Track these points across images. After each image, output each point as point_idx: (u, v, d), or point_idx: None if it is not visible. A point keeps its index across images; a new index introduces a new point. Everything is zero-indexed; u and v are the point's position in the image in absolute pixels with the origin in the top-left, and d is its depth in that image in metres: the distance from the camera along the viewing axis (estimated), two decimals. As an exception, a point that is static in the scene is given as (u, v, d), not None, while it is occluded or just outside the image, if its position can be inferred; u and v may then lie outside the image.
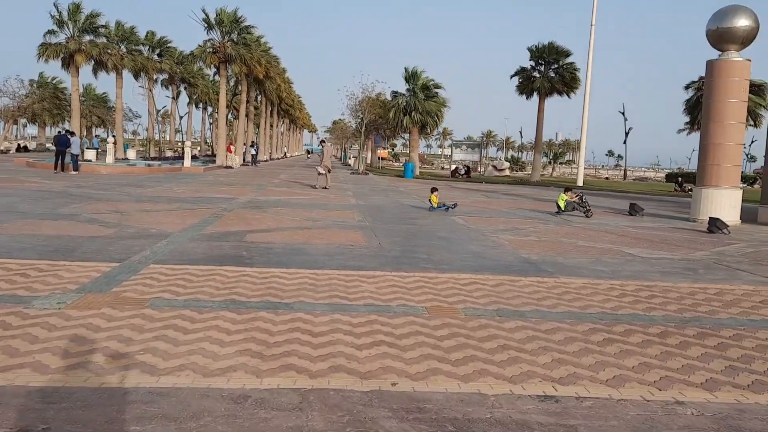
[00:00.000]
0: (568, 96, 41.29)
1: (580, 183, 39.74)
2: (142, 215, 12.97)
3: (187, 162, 36.59)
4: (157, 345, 4.73)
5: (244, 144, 52.06)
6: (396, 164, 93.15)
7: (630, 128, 71.81)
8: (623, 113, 70.12)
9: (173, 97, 65.42)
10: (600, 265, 9.24)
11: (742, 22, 16.35)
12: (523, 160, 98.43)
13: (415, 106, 43.82)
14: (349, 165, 70.60)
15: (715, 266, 9.75)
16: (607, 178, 74.93)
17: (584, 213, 17.32)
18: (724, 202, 16.47)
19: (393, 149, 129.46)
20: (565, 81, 40.68)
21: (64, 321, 5.24)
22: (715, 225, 14.35)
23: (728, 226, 14.54)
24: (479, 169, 58.03)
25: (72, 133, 28.39)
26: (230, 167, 42.67)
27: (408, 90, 45.47)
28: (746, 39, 16.51)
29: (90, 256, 8.15)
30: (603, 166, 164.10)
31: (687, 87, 35.65)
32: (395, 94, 46.06)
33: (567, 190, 18.63)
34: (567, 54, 40.77)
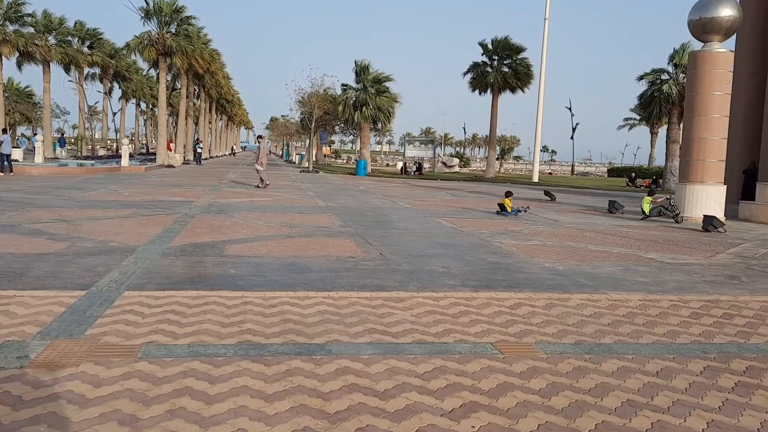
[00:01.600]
0: (522, 91, 40.89)
1: (535, 179, 39.52)
2: (94, 224, 11.26)
3: (125, 161, 34.23)
4: (176, 427, 3.35)
5: (185, 142, 49.62)
6: (339, 161, 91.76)
7: (577, 123, 72.33)
8: (570, 108, 70.77)
9: (106, 93, 61.93)
10: (636, 275, 8.27)
11: (726, 12, 15.86)
12: (467, 156, 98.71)
13: (366, 102, 42.51)
14: (293, 162, 68.78)
15: (752, 272, 8.96)
16: (550, 173, 75.74)
17: (674, 218, 15.63)
18: (710, 198, 15.97)
19: (330, 146, 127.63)
20: (519, 76, 40.19)
21: (31, 389, 3.77)
22: (711, 224, 13.75)
23: (724, 224, 13.98)
24: (425, 166, 57.17)
25: (4, 131, 25.91)
26: (172, 166, 40.40)
27: (358, 84, 44.09)
28: (729, 29, 16.05)
29: (45, 282, 6.57)
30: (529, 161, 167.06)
31: (640, 78, 35.60)
32: (345, 88, 44.64)
33: (650, 193, 16.91)
34: (521, 49, 40.29)
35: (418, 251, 9.70)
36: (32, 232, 10.02)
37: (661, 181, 36.95)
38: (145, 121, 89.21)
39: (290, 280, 7.13)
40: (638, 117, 70.49)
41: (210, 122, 78.25)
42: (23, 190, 17.94)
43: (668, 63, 34.69)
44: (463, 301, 6.43)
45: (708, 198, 16.01)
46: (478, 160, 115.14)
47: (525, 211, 16.48)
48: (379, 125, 45.50)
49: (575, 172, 78.48)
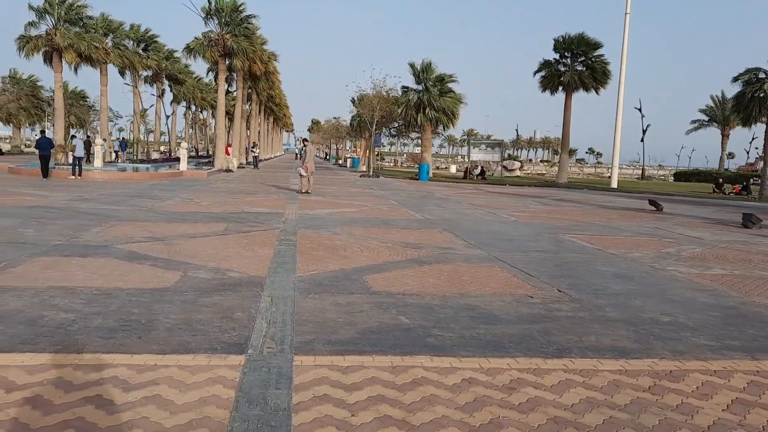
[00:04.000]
0: (597, 92, 38.47)
1: (614, 185, 37.29)
2: (193, 244, 9.76)
3: (184, 165, 33.23)
4: None
5: (245, 146, 48.76)
6: (386, 163, 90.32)
7: (648, 125, 68.32)
8: (639, 109, 67.13)
9: (159, 95, 61.51)
10: None
11: None
12: (520, 159, 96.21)
13: (429, 102, 40.68)
14: (345, 166, 67.49)
15: None
16: (609, 177, 72.66)
17: None
18: None
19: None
20: (595, 75, 37.81)
21: None
22: None
23: None
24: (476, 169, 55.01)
25: (73, 136, 25.51)
26: (230, 170, 39.36)
27: (419, 85, 42.30)
28: None
29: (184, 339, 4.98)
30: (587, 164, 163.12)
31: (735, 79, 32.88)
32: (405, 90, 42.94)
33: None
34: (597, 46, 37.82)
35: (601, 286, 7.87)
36: (130, 255, 8.54)
37: (756, 186, 34.20)
38: (194, 123, 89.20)
39: (491, 338, 5.41)
40: (707, 118, 67.27)
41: (259, 125, 77.59)
42: (96, 199, 16.72)
43: (768, 61, 32.07)
44: (755, 377, 4.62)
45: None
46: (520, 162, 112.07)
47: None
48: (441, 127, 43.58)
49: (636, 176, 75.26)
